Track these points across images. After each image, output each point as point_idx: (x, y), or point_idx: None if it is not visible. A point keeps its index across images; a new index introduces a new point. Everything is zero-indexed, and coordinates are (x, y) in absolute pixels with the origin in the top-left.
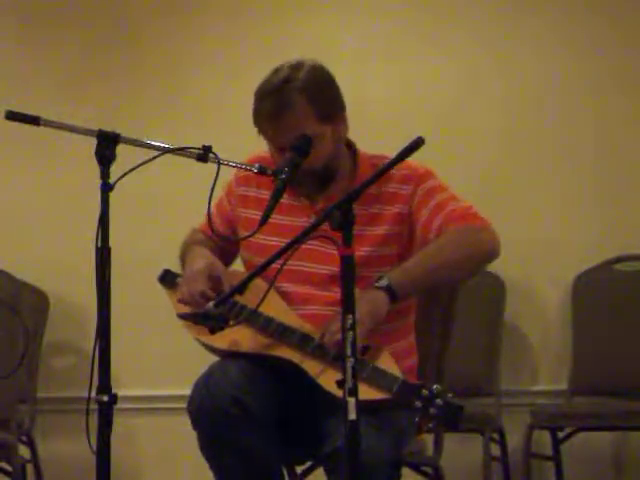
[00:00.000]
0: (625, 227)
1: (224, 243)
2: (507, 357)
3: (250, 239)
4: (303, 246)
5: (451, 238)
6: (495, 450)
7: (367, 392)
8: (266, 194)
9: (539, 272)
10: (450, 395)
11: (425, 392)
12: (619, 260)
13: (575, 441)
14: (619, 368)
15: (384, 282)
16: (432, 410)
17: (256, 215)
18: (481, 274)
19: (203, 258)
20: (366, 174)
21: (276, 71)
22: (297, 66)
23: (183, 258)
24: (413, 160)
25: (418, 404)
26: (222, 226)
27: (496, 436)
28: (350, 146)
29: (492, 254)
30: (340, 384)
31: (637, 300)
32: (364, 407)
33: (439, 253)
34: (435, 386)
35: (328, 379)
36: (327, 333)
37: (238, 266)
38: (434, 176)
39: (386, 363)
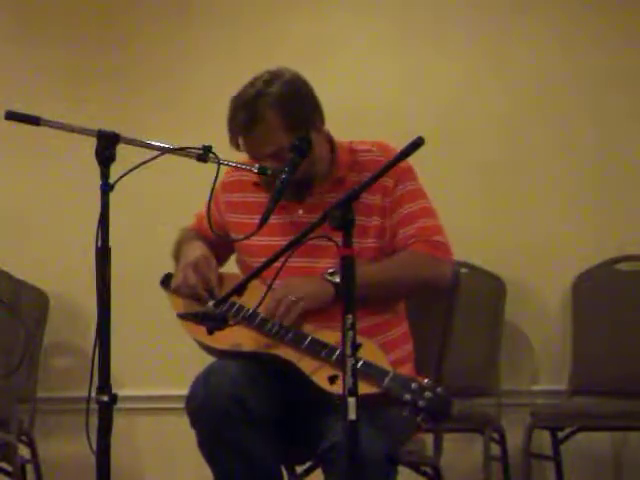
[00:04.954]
0: (625, 227)
1: (217, 241)
2: (507, 357)
3: (244, 242)
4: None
5: (411, 262)
6: (495, 450)
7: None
8: (251, 197)
9: (539, 272)
10: (440, 389)
11: (414, 385)
12: (619, 260)
13: (575, 441)
14: (619, 368)
15: (336, 279)
16: (421, 403)
17: (246, 219)
18: (481, 274)
19: (200, 249)
20: (345, 160)
21: (252, 82)
22: (272, 78)
23: (177, 253)
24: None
25: (407, 397)
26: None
27: (496, 436)
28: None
29: (441, 287)
30: (332, 380)
31: (637, 300)
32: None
33: (395, 273)
34: (425, 380)
35: (323, 377)
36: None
37: (231, 267)
38: (415, 175)
39: (375, 356)
